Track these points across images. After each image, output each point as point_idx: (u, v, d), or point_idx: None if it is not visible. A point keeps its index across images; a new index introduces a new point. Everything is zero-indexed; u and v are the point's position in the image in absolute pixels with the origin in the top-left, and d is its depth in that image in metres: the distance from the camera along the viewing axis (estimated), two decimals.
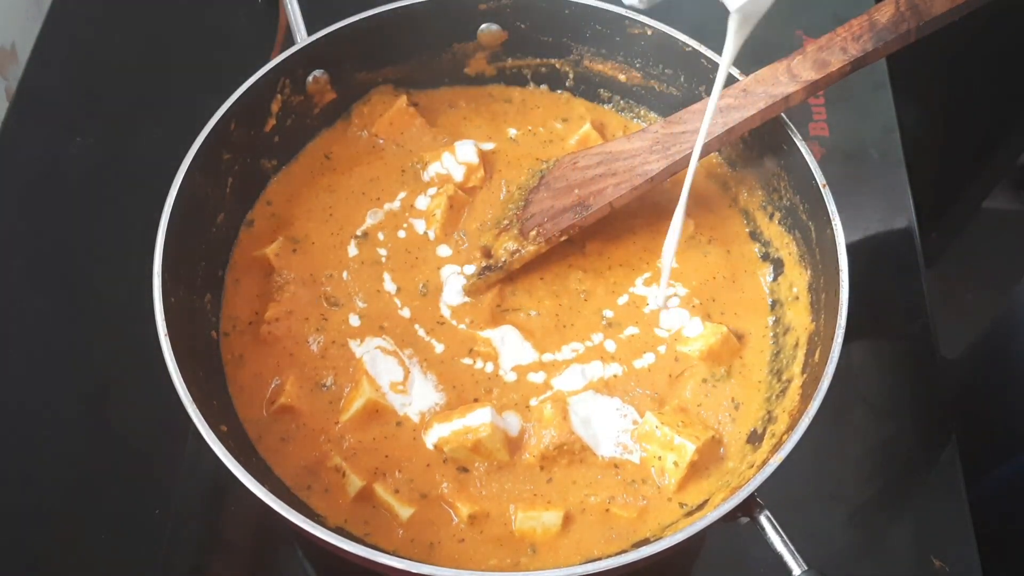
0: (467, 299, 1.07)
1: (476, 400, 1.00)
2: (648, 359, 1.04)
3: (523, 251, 1.07)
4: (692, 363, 1.04)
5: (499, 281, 1.08)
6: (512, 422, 0.99)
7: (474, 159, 1.15)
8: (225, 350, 1.03)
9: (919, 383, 1.22)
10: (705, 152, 1.03)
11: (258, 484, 0.82)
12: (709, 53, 1.09)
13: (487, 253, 1.09)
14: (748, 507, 0.85)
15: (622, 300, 1.08)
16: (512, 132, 1.21)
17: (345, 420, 0.98)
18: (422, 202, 1.14)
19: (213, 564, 1.08)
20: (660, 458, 0.97)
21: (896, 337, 1.25)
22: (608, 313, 1.07)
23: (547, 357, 1.04)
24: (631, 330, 1.06)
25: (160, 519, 1.06)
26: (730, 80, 1.06)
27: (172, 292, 0.93)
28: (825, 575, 0.82)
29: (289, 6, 1.14)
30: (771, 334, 1.06)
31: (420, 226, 1.13)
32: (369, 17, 1.12)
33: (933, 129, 1.80)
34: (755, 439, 0.98)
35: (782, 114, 1.03)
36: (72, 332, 1.18)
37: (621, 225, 1.13)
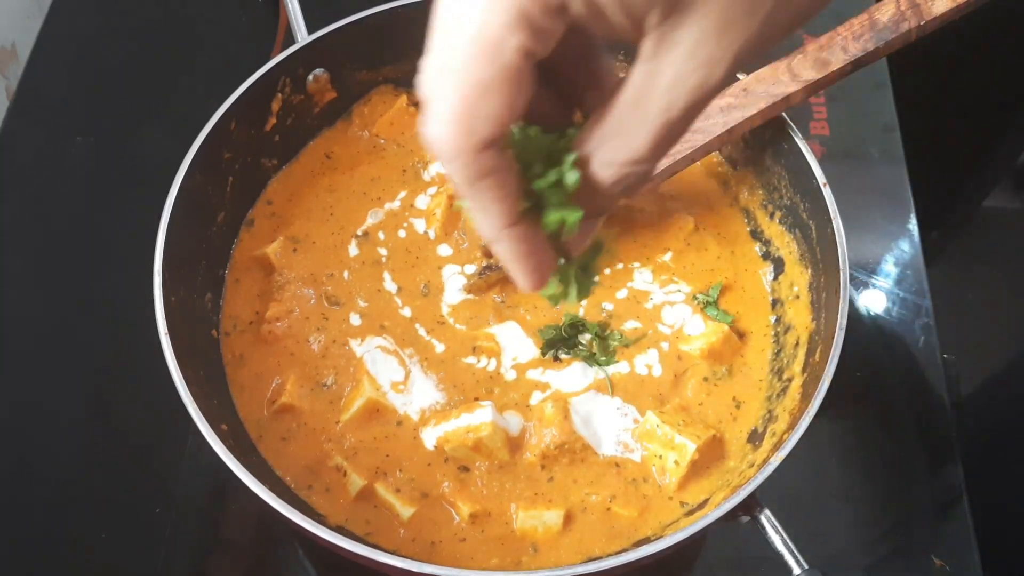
0: (468, 297, 1.07)
1: (477, 399, 1.00)
2: (649, 357, 1.04)
3: None
4: (693, 361, 1.04)
5: (500, 281, 1.08)
6: (513, 421, 0.99)
7: None
8: (226, 349, 1.03)
9: (920, 382, 1.22)
10: (706, 151, 1.03)
11: (259, 483, 0.82)
12: None
13: (488, 252, 1.09)
14: (749, 506, 0.85)
15: (621, 295, 1.08)
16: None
17: (346, 419, 0.98)
18: (422, 201, 1.14)
19: (213, 564, 1.08)
20: (661, 457, 0.97)
21: (896, 336, 1.25)
22: (608, 306, 1.07)
23: (549, 352, 1.04)
24: (632, 324, 1.06)
25: (160, 518, 1.06)
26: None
27: (172, 291, 0.93)
28: (825, 575, 0.82)
29: (289, 5, 1.14)
30: (772, 333, 1.06)
31: (420, 225, 1.13)
32: (369, 16, 1.11)
33: (933, 128, 1.80)
34: (756, 438, 0.98)
35: (783, 113, 1.03)
36: (72, 331, 1.18)
37: (621, 223, 1.13)
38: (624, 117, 0.52)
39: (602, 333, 1.05)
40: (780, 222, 1.10)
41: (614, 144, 0.53)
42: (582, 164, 0.55)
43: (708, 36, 0.47)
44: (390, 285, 1.08)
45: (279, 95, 1.10)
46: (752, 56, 0.49)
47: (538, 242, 0.57)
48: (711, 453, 0.98)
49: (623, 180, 0.55)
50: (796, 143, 1.03)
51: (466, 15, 0.48)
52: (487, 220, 0.55)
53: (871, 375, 1.20)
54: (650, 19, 0.47)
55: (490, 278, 1.08)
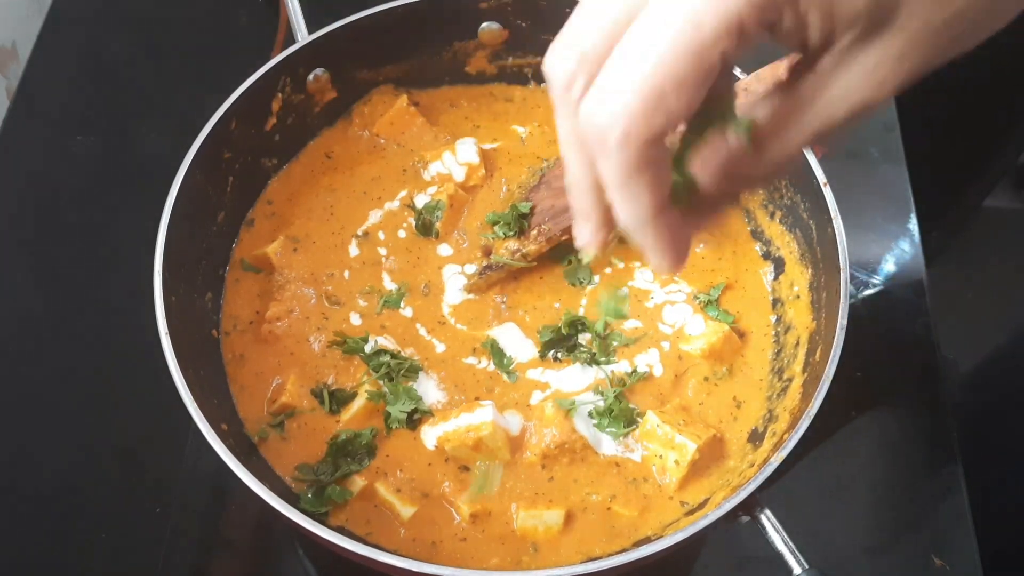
0: (468, 297, 1.07)
1: (477, 399, 1.00)
2: (650, 356, 1.04)
3: (524, 250, 1.07)
4: (694, 361, 1.04)
5: (500, 280, 1.08)
6: (513, 421, 0.98)
7: (475, 158, 1.15)
8: (226, 349, 1.03)
9: (920, 382, 1.22)
10: None
11: (259, 483, 0.82)
12: None
13: (488, 252, 1.09)
14: (749, 506, 0.85)
15: (622, 294, 1.08)
16: (520, 131, 1.21)
17: (346, 419, 0.98)
18: (422, 201, 1.14)
19: (213, 564, 1.08)
20: (661, 457, 0.97)
21: (897, 336, 1.25)
22: None
23: (549, 353, 1.04)
24: (632, 323, 1.06)
25: (160, 518, 1.06)
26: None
27: (173, 291, 0.93)
28: (825, 575, 0.82)
29: (290, 4, 1.14)
30: (772, 332, 1.06)
31: None
32: (370, 16, 1.11)
33: (933, 128, 1.80)
34: (756, 438, 0.98)
35: None
36: (73, 330, 1.18)
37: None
38: (783, 120, 0.54)
39: (602, 333, 1.05)
40: (780, 222, 1.10)
41: (769, 142, 0.55)
42: None
43: (889, 59, 0.50)
44: (390, 285, 1.08)
45: (279, 95, 1.10)
46: (916, 79, 0.51)
47: (679, 223, 0.56)
48: (711, 453, 0.98)
49: (770, 173, 0.57)
50: None
51: (678, 10, 0.48)
52: (636, 209, 0.54)
53: (871, 375, 1.20)
54: (842, 40, 0.50)
55: (490, 278, 1.08)
